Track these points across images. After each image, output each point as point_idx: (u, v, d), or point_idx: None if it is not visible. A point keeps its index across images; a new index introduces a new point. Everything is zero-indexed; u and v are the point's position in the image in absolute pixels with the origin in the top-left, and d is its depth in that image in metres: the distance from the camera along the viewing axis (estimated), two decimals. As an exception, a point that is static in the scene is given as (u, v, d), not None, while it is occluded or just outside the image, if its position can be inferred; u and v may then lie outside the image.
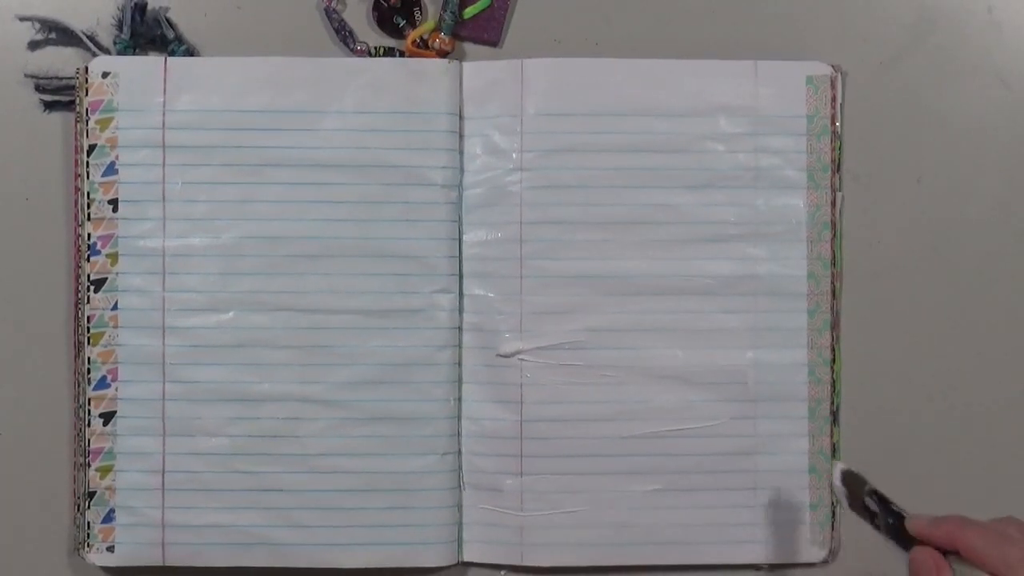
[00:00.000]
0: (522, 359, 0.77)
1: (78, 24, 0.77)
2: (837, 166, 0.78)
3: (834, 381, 0.78)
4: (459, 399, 0.77)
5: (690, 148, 0.78)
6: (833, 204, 0.78)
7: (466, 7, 0.78)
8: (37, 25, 0.77)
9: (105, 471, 0.76)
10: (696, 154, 0.78)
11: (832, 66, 0.78)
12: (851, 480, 0.64)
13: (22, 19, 0.77)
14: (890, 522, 0.62)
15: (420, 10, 0.78)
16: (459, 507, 0.77)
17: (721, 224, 0.77)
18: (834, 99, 0.78)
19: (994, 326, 0.79)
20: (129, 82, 0.76)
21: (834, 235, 0.78)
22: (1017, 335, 0.79)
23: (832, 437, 0.77)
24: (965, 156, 0.79)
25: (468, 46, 0.79)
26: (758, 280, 0.77)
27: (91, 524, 0.76)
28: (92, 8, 0.77)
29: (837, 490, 0.65)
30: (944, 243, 0.79)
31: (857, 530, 0.77)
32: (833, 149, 0.78)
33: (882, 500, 0.63)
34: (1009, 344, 0.79)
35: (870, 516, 0.63)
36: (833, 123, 0.78)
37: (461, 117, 0.77)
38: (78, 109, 0.76)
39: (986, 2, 0.79)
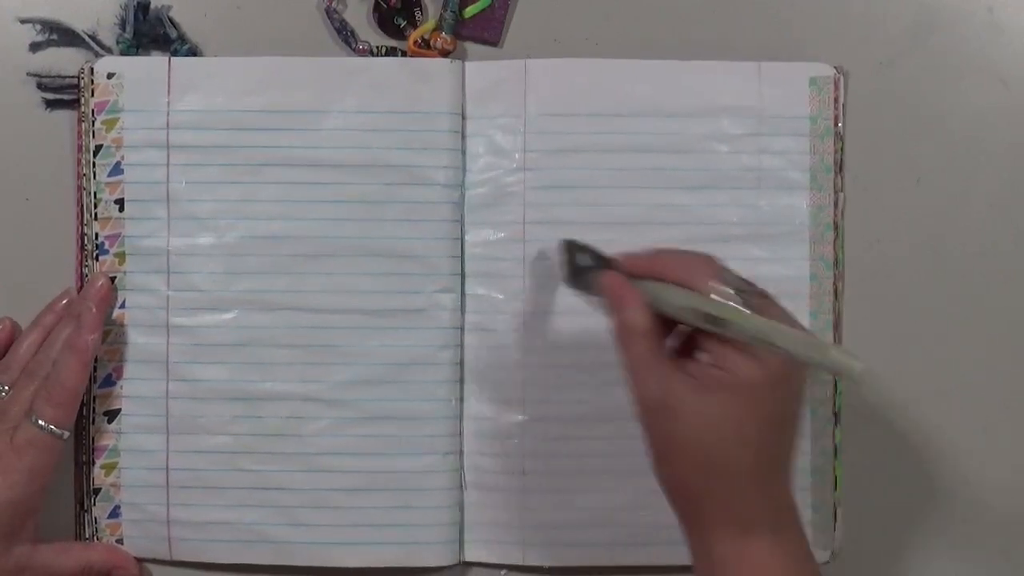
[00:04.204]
0: (525, 359, 0.79)
1: (79, 24, 0.79)
2: (839, 167, 0.80)
3: (836, 382, 0.79)
4: (461, 399, 0.79)
5: (693, 149, 0.79)
6: (836, 205, 0.79)
7: (466, 6, 0.80)
8: (38, 27, 0.79)
9: (110, 468, 0.78)
10: (699, 155, 0.80)
11: (835, 67, 0.80)
12: (568, 248, 0.70)
13: (23, 21, 0.79)
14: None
15: (421, 10, 0.80)
16: (460, 507, 0.79)
17: (724, 225, 0.79)
18: (837, 100, 0.79)
19: (995, 325, 0.81)
20: (134, 83, 0.78)
21: (836, 236, 0.80)
22: (1018, 334, 0.81)
23: (834, 438, 0.79)
24: (965, 156, 0.81)
25: (468, 46, 0.81)
26: (760, 281, 0.76)
27: (98, 519, 0.78)
28: (92, 8, 0.79)
29: (560, 264, 0.70)
30: (944, 243, 0.80)
31: (859, 531, 0.80)
32: (836, 150, 0.79)
33: (594, 253, 0.69)
34: (1010, 344, 0.81)
35: (588, 280, 0.68)
36: (836, 124, 0.79)
37: (463, 117, 0.79)
38: (83, 109, 0.78)
39: (986, 2, 0.81)
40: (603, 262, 0.68)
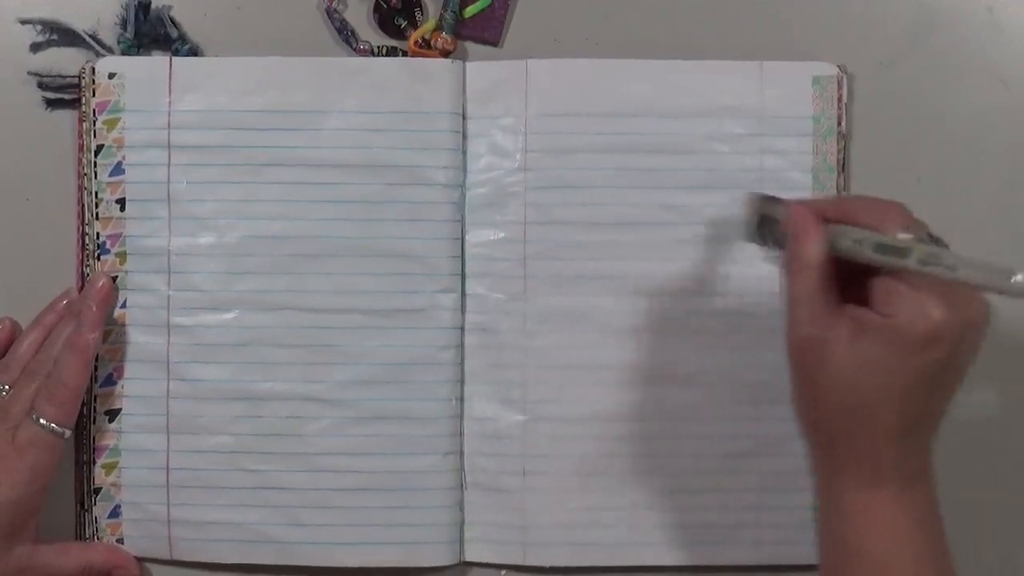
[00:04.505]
0: (525, 359, 0.80)
1: (79, 24, 0.80)
2: (842, 167, 0.80)
3: None
4: (461, 399, 0.80)
5: (695, 149, 0.80)
6: None
7: (466, 6, 0.81)
8: (39, 27, 0.80)
9: (110, 468, 0.79)
10: (701, 155, 0.80)
11: (839, 66, 0.80)
12: (757, 201, 0.70)
13: (23, 22, 0.80)
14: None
15: (421, 10, 0.81)
16: (461, 507, 0.79)
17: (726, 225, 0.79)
18: (840, 99, 0.80)
19: (995, 327, 0.79)
20: (135, 83, 0.78)
21: None
22: (1018, 336, 0.81)
23: None
24: (965, 156, 0.81)
25: (469, 46, 0.81)
26: (762, 281, 0.79)
27: (98, 519, 0.79)
28: (93, 8, 0.80)
29: (749, 215, 0.70)
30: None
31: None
32: (839, 150, 0.80)
33: (783, 201, 0.68)
34: (1010, 345, 0.81)
35: (771, 233, 0.68)
36: (839, 124, 0.80)
37: (464, 117, 0.79)
38: (84, 109, 0.78)
39: (986, 2, 0.81)
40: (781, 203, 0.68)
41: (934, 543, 0.63)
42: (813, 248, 0.62)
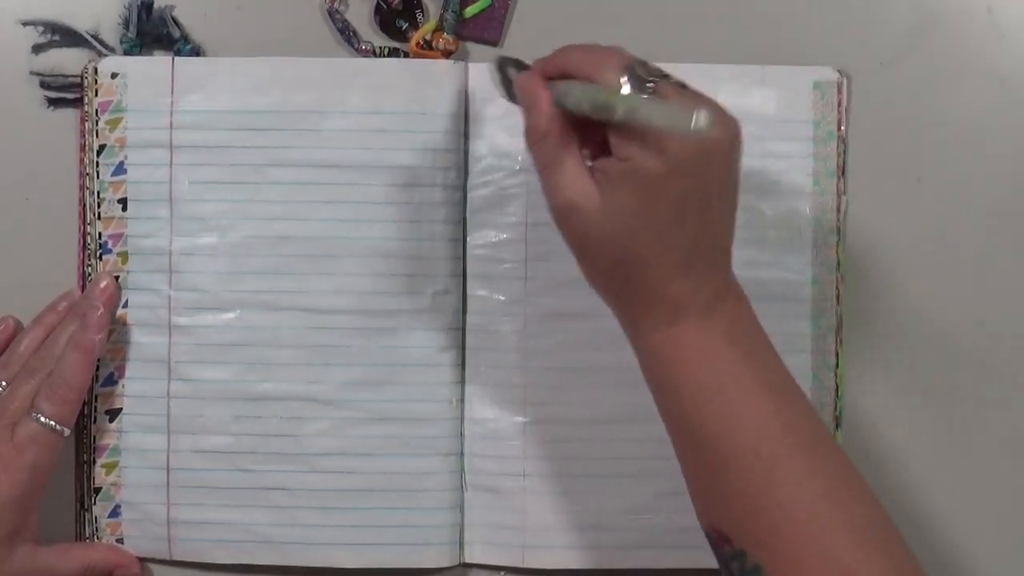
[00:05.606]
0: (526, 361, 0.80)
1: (81, 25, 0.80)
2: (842, 171, 0.80)
3: (837, 386, 0.80)
4: (461, 400, 0.80)
5: (696, 152, 0.81)
6: (838, 209, 0.80)
7: (467, 6, 0.81)
8: (40, 28, 0.81)
9: (111, 467, 0.79)
10: (703, 158, 0.81)
11: (838, 71, 0.80)
12: (503, 65, 0.69)
13: (25, 24, 0.80)
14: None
15: (422, 12, 0.82)
16: (461, 508, 0.80)
17: (725, 228, 0.81)
18: (840, 104, 0.80)
19: (995, 327, 0.81)
20: (137, 83, 0.79)
21: (839, 240, 0.80)
22: (1018, 337, 0.82)
23: (834, 441, 0.79)
24: (965, 156, 0.81)
25: (469, 46, 0.82)
26: (762, 285, 0.77)
27: (98, 519, 0.79)
28: (94, 9, 0.81)
29: (495, 80, 0.69)
30: (944, 243, 0.81)
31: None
32: (839, 154, 0.80)
33: (520, 65, 0.67)
34: (1010, 346, 0.82)
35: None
36: (839, 128, 0.80)
37: (466, 118, 0.80)
38: (86, 109, 0.79)
39: (986, 2, 0.82)
40: (525, 69, 0.67)
41: (750, 359, 0.63)
42: (543, 117, 0.62)
